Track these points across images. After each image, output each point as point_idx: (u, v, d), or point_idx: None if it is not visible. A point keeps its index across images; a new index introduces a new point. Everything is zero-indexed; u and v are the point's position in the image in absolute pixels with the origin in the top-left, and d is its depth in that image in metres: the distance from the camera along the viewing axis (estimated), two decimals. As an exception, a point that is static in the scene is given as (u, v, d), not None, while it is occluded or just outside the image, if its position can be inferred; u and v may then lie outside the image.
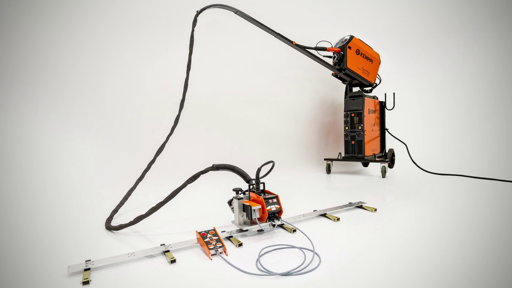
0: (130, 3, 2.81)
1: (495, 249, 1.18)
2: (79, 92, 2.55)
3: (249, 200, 1.50)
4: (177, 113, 2.03)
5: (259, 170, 1.52)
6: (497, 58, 4.31)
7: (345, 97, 3.55)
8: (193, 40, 2.17)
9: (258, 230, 1.48)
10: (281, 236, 1.41)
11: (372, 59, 3.50)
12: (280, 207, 1.46)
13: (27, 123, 2.27)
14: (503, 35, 4.31)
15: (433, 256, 1.13)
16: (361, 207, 1.90)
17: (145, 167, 2.02)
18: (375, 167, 3.91)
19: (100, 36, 2.66)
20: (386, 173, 3.25)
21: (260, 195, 1.45)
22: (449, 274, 0.99)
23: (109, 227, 1.58)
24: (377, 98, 3.69)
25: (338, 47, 3.25)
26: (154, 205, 1.49)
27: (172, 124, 2.03)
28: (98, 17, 2.65)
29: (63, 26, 2.49)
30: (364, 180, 3.07)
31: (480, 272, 1.00)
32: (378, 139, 3.68)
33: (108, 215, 1.80)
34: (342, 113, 4.23)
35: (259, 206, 1.40)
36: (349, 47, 3.21)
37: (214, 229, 1.31)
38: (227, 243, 1.33)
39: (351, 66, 3.23)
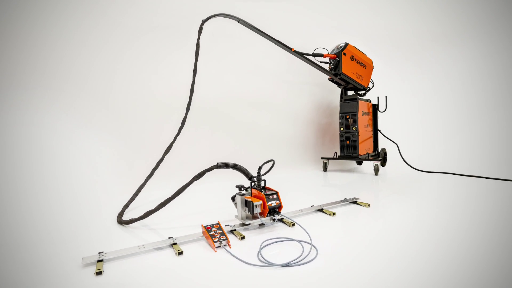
0: (140, 12, 2.81)
1: (478, 240, 1.18)
2: (93, 97, 2.55)
3: (251, 196, 1.50)
4: (184, 115, 2.04)
5: (260, 168, 1.52)
6: (485, 61, 4.29)
7: (341, 100, 3.54)
8: (198, 47, 2.17)
9: (259, 224, 1.48)
10: (280, 230, 1.41)
11: (366, 65, 3.49)
12: (280, 203, 1.45)
13: (45, 124, 2.28)
14: (491, 41, 4.29)
15: (421, 247, 1.13)
16: (355, 202, 1.90)
17: (154, 165, 2.02)
18: (368, 166, 3.89)
19: (107, 39, 2.66)
20: (379, 171, 3.25)
21: (261, 192, 1.45)
22: (433, 262, 0.98)
23: (120, 221, 1.58)
24: (370, 101, 3.68)
25: (334, 54, 3.24)
26: (162, 201, 1.49)
27: (179, 125, 2.03)
28: (105, 24, 2.65)
29: (63, 28, 2.49)
30: (358, 177, 3.06)
31: (461, 259, 1.00)
32: (371, 139, 3.67)
33: (119, 210, 1.80)
34: (337, 115, 4.21)
35: (260, 201, 1.40)
36: (344, 54, 3.20)
37: (218, 223, 1.31)
38: (230, 236, 1.33)
39: (346, 71, 3.22)
